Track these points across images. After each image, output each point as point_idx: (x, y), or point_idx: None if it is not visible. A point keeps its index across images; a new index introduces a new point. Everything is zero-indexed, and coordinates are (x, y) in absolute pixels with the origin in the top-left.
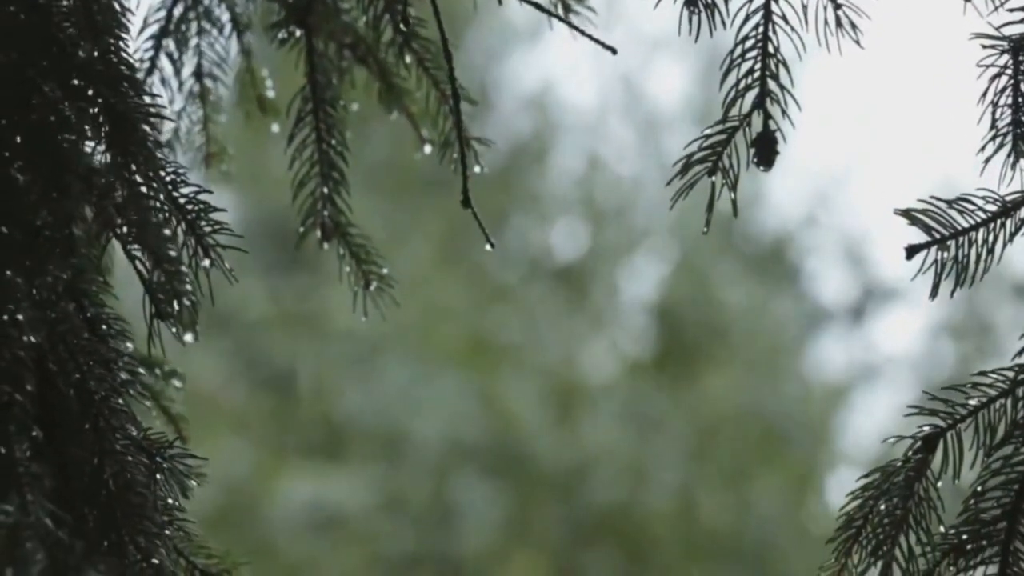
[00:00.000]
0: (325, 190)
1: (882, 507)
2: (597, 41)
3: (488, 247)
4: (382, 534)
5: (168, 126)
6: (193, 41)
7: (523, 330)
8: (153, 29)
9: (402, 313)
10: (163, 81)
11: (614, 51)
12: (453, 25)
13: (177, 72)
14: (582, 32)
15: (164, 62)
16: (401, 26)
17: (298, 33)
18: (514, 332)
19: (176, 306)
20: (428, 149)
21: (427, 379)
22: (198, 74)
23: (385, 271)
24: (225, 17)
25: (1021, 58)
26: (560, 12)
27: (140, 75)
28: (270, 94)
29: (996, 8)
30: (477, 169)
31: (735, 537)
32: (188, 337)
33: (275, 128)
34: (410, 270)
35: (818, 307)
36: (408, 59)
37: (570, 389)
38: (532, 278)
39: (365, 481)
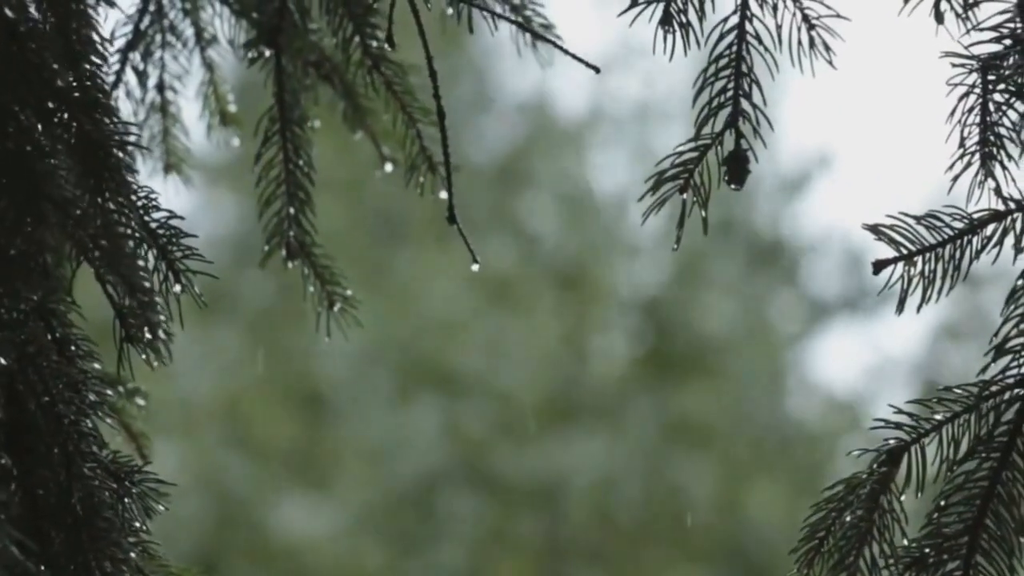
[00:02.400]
0: (291, 210)
1: (847, 519)
2: (581, 60)
3: (474, 266)
4: (364, 551)
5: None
6: (156, 54)
7: (515, 334)
8: (120, 43)
9: (385, 326)
10: (128, 94)
11: (597, 70)
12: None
13: (142, 85)
14: (566, 51)
15: (129, 74)
16: (386, 45)
17: (267, 53)
18: (510, 335)
19: (147, 333)
20: (389, 168)
21: (409, 393)
22: (160, 87)
23: (349, 292)
24: (189, 31)
25: (989, 77)
26: (528, 40)
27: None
28: (232, 108)
29: (968, 31)
30: (443, 195)
31: (731, 545)
32: (157, 362)
33: (236, 142)
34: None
35: (819, 309)
36: (376, 82)
37: (560, 394)
38: (524, 281)
39: (348, 497)
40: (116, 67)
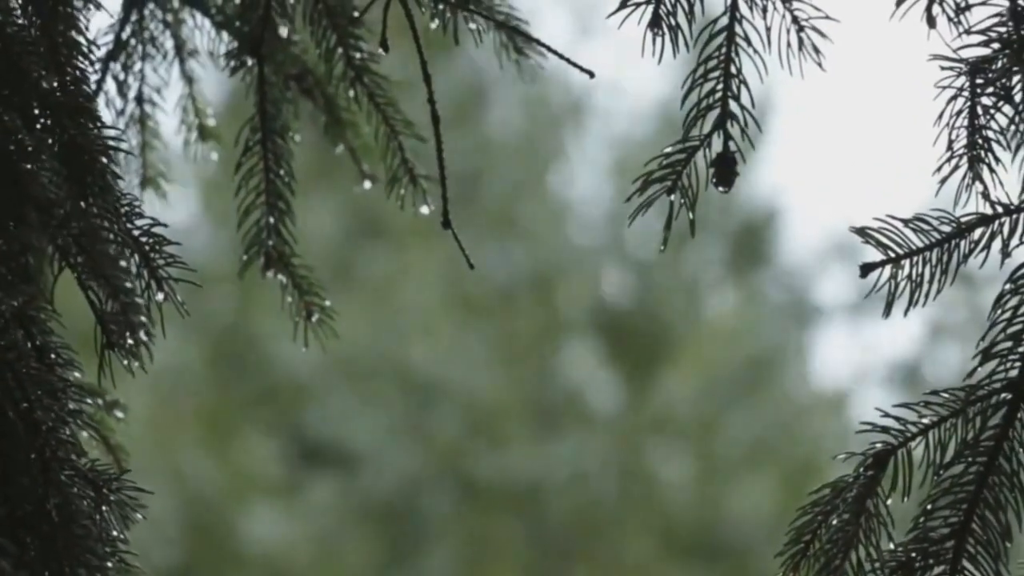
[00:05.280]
0: (271, 220)
1: (833, 522)
2: (575, 64)
3: (469, 268)
4: (349, 552)
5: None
6: (136, 66)
7: (495, 336)
8: (101, 52)
9: (360, 327)
10: (108, 104)
11: (592, 74)
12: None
13: (123, 96)
14: (559, 55)
15: (110, 84)
16: (380, 49)
17: (250, 62)
18: (486, 339)
19: (129, 338)
20: (368, 185)
21: (386, 395)
22: (139, 99)
23: (327, 303)
24: (169, 44)
25: (978, 80)
26: (513, 55)
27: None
28: (211, 122)
29: (960, 34)
30: (425, 210)
31: (717, 543)
32: (138, 366)
33: (214, 156)
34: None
35: (816, 307)
36: (359, 94)
37: (547, 395)
38: (500, 283)
39: (332, 497)
40: (97, 76)
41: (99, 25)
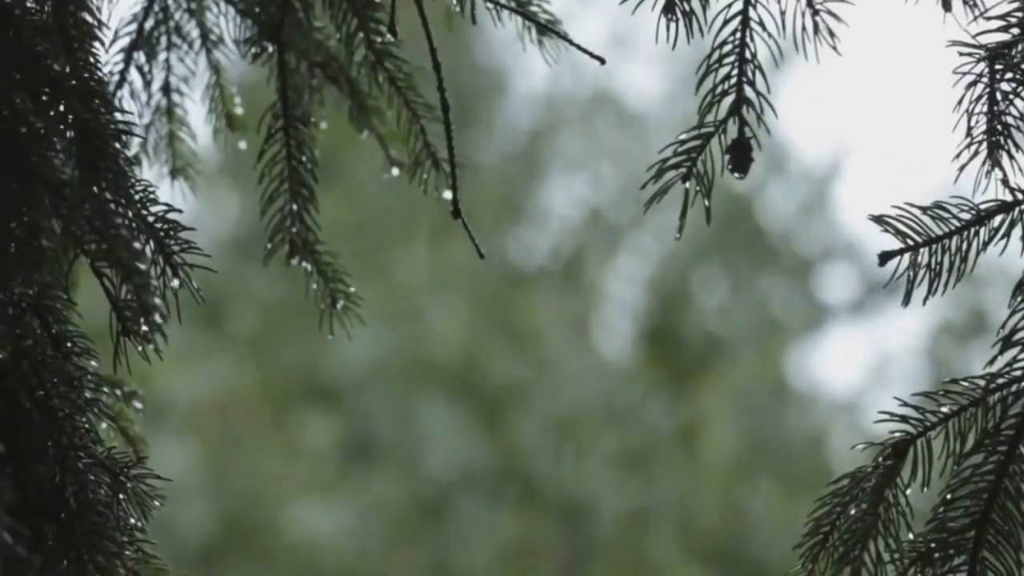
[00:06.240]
0: (294, 207)
1: (852, 513)
2: (585, 51)
3: (479, 257)
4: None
5: (136, 140)
6: (162, 56)
7: (525, 352)
8: (124, 42)
9: (402, 333)
10: (132, 95)
11: (602, 61)
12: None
13: (147, 86)
14: (571, 42)
15: (134, 75)
16: (389, 35)
17: (270, 48)
18: (516, 353)
19: (144, 323)
20: (396, 172)
21: (430, 404)
22: (165, 89)
23: (352, 289)
24: (195, 33)
25: (997, 66)
26: (535, 37)
27: (110, 88)
28: (239, 111)
29: (976, 18)
30: (447, 194)
31: (740, 553)
32: (154, 353)
33: (243, 145)
34: (409, 292)
35: (820, 307)
36: (380, 78)
37: (568, 410)
38: (531, 291)
39: (368, 501)
40: (120, 67)
41: (121, 14)
